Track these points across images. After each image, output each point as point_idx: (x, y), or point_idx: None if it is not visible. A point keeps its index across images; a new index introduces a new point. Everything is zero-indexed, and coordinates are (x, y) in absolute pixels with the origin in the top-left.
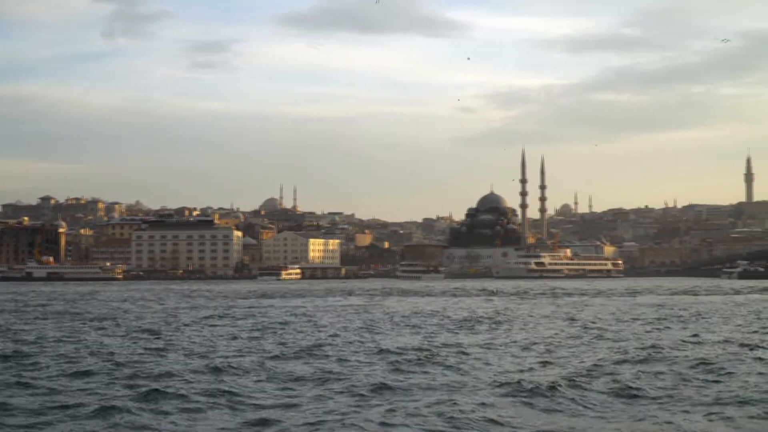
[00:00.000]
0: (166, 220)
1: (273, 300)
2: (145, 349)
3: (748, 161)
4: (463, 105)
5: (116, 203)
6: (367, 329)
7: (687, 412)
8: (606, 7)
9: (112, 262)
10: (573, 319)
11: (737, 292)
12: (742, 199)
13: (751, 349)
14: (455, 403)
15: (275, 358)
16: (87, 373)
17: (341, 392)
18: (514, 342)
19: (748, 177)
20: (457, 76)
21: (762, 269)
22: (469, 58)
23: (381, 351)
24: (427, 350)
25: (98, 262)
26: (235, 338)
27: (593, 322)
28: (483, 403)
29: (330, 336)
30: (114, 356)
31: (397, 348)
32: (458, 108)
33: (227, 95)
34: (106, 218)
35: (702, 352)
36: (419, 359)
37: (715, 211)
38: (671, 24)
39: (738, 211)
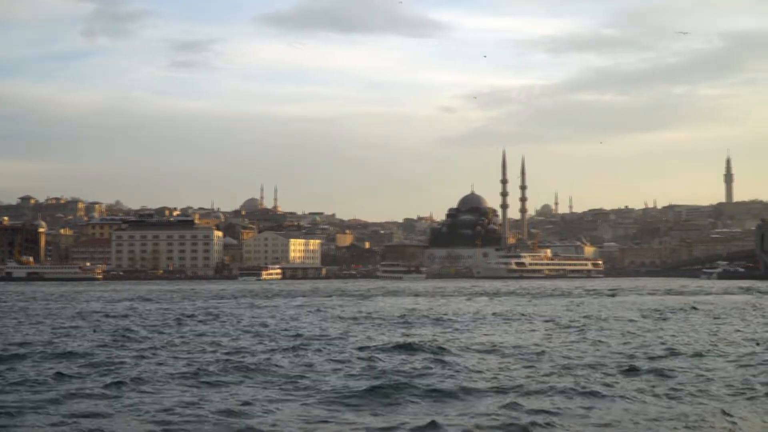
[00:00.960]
0: (146, 220)
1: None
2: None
3: (728, 162)
4: (444, 105)
5: (96, 203)
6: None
7: None
8: (587, 7)
9: (92, 263)
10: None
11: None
12: (722, 199)
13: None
14: None
15: None
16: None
17: None
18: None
19: (728, 178)
20: (438, 76)
21: (742, 269)
22: (485, 56)
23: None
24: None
25: (78, 263)
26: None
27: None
28: None
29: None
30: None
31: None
32: (439, 108)
33: (208, 95)
34: (86, 218)
35: None
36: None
37: (694, 211)
38: (652, 25)
39: (718, 212)
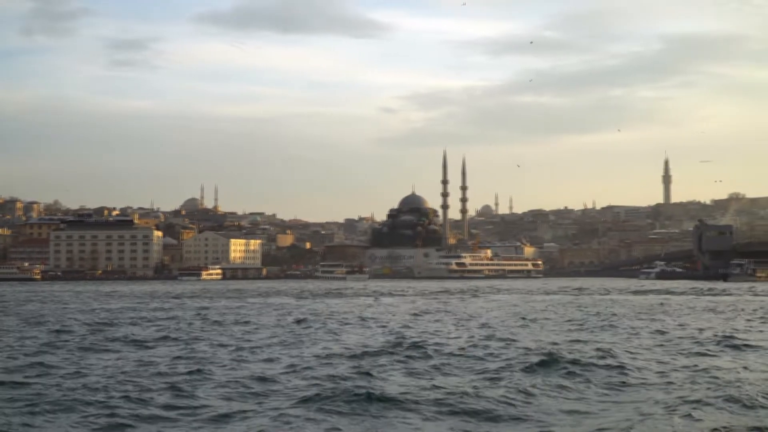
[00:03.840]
0: (85, 220)
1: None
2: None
3: (666, 163)
4: (384, 106)
5: (34, 203)
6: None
7: None
8: (527, 10)
9: (30, 263)
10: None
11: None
12: (660, 200)
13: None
14: None
15: None
16: None
17: None
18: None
19: (666, 179)
20: (379, 76)
21: (680, 270)
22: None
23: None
24: None
25: (16, 263)
26: None
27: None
28: None
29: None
30: None
31: None
32: (380, 108)
33: (147, 94)
34: (24, 218)
35: None
36: None
37: (633, 212)
38: (591, 27)
39: (656, 213)
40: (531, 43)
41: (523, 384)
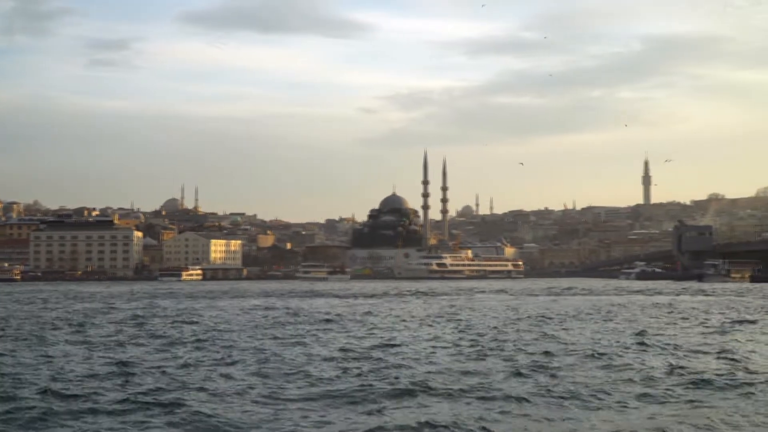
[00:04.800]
0: (65, 221)
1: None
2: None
3: (646, 164)
4: (364, 106)
5: (14, 203)
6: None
7: None
8: (506, 10)
9: (9, 263)
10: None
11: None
12: (640, 201)
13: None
14: None
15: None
16: None
17: None
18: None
19: (646, 180)
20: (359, 77)
21: (659, 270)
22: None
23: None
24: None
25: None
26: None
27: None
28: None
29: None
30: None
31: None
32: (360, 109)
33: (128, 94)
34: (3, 218)
35: None
36: None
37: (613, 213)
38: (570, 28)
39: (636, 213)
40: (545, 38)
41: None
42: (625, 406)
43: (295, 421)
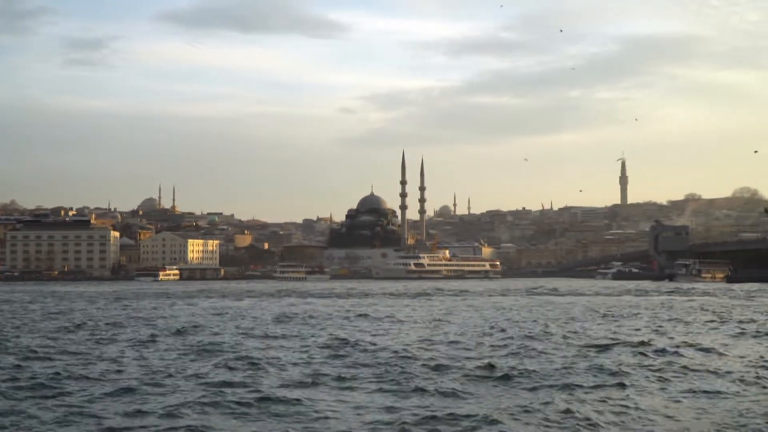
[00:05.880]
0: (41, 220)
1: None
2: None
3: (623, 164)
4: (343, 106)
5: None
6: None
7: None
8: (485, 10)
9: None
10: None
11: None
12: (617, 201)
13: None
14: None
15: None
16: None
17: None
18: None
19: (623, 180)
20: (338, 77)
21: (636, 270)
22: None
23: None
24: None
25: None
26: None
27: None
28: None
29: None
30: None
31: None
32: (338, 109)
33: (105, 93)
34: None
35: None
36: None
37: (590, 213)
38: (549, 28)
39: (613, 213)
40: (561, 31)
41: None
42: None
43: None
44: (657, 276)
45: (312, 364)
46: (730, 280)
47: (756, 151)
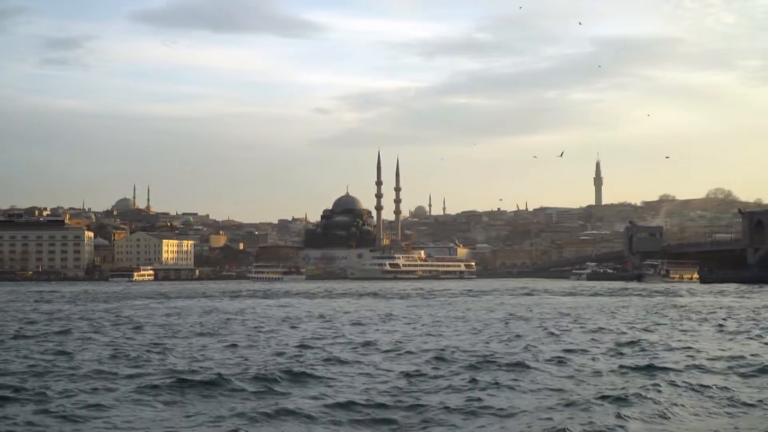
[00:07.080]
0: (15, 220)
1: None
2: None
3: (598, 165)
4: (318, 106)
5: None
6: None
7: None
8: (461, 11)
9: None
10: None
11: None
12: (592, 202)
13: None
14: None
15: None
16: None
17: None
18: None
19: (598, 181)
20: (312, 77)
21: (611, 270)
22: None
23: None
24: None
25: None
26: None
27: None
28: None
29: None
30: None
31: None
32: (313, 109)
33: (79, 93)
34: None
35: None
36: None
37: (565, 213)
38: (524, 30)
39: (587, 214)
40: (579, 23)
41: None
42: None
43: None
44: (632, 276)
45: None
46: (703, 280)
47: (667, 157)
